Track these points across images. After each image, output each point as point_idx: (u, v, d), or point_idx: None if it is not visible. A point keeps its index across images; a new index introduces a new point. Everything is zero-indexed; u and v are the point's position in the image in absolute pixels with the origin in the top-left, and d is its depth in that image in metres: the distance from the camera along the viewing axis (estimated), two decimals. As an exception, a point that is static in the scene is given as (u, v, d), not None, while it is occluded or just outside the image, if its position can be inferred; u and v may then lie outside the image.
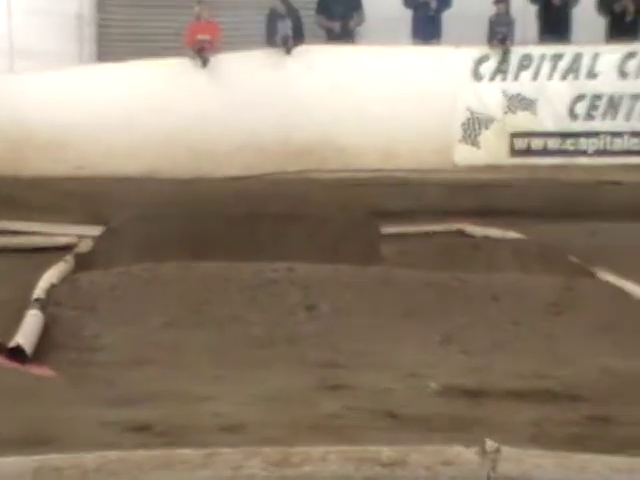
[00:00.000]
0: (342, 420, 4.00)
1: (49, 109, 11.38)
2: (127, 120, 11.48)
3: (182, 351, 5.16)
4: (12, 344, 4.97)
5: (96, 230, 8.58)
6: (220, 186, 10.59)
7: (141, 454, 2.97)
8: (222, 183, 10.94)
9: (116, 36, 13.16)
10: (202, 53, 11.85)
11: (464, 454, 2.92)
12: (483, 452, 2.90)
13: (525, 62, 11.84)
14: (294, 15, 12.21)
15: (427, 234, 8.65)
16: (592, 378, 4.72)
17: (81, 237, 8.62)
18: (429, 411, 4.16)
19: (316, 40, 12.40)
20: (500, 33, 11.92)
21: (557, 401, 4.34)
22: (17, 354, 4.93)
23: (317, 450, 2.94)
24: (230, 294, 5.87)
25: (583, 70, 11.81)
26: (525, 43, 12.09)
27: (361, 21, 12.50)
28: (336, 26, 12.41)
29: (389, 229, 8.62)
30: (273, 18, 12.15)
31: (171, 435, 3.73)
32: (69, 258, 7.39)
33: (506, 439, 3.00)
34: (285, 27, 12.08)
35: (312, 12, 12.51)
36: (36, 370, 4.82)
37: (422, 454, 2.94)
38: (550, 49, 11.84)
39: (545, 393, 4.43)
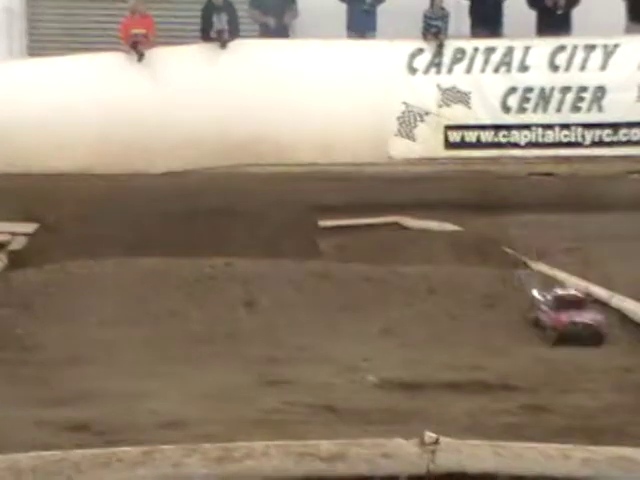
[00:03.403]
0: (282, 415, 4.01)
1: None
2: (60, 116, 11.30)
3: (119, 349, 5.12)
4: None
5: (29, 227, 8.45)
6: (156, 182, 10.50)
7: (78, 453, 2.93)
8: (158, 179, 10.85)
9: (47, 30, 12.94)
10: (137, 47, 11.73)
11: (404, 446, 2.94)
12: (422, 444, 2.92)
13: (459, 55, 11.94)
14: (230, 9, 12.14)
15: (364, 227, 8.68)
16: (525, 368, 4.80)
17: (14, 235, 8.47)
18: (368, 404, 4.19)
19: (251, 34, 12.36)
20: (434, 27, 12.00)
21: (492, 391, 4.40)
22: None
23: (258, 445, 2.94)
24: (168, 290, 5.83)
25: (515, 63, 11.95)
26: (458, 37, 12.19)
27: (295, 15, 12.48)
28: (270, 20, 12.38)
29: (326, 223, 8.64)
30: (209, 12, 12.07)
31: (109, 434, 3.70)
32: (2, 256, 7.27)
33: (443, 430, 3.04)
34: (221, 21, 12.01)
35: (246, 6, 12.46)
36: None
37: (362, 447, 2.95)
38: (483, 42, 11.95)
39: (480, 384, 4.49)
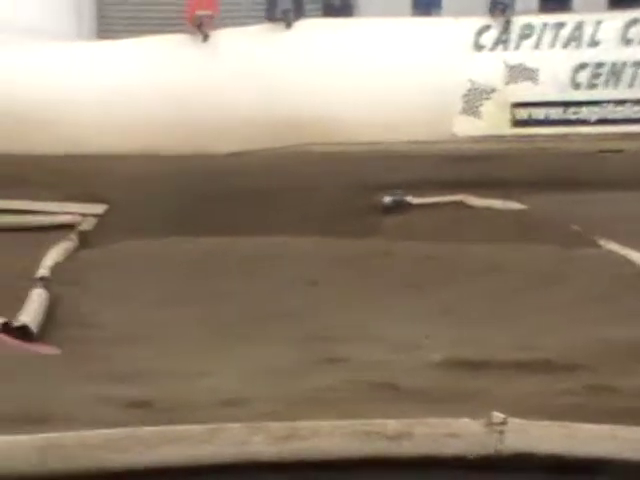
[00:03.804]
0: (343, 393, 3.98)
1: (46, 87, 11.33)
2: (126, 97, 11.42)
3: (178, 327, 5.14)
4: (18, 323, 4.97)
5: (99, 208, 8.57)
6: (219, 162, 10.55)
7: (147, 430, 2.94)
8: (220, 159, 10.90)
9: (116, 13, 13.08)
10: (202, 28, 11.78)
11: (471, 426, 2.88)
12: (490, 424, 2.86)
13: (526, 31, 11.76)
14: (294, -12, 12.13)
15: (428, 206, 8.61)
16: (591, 348, 4.69)
17: (84, 215, 8.61)
18: (430, 383, 4.14)
19: (315, 14, 12.33)
20: (501, 3, 11.84)
21: (555, 371, 4.32)
22: (23, 333, 4.93)
23: (324, 424, 2.92)
24: (226, 269, 5.84)
25: (585, 38, 11.73)
26: (526, 12, 12.00)
27: (360, -6, 12.43)
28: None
29: (390, 201, 8.58)
30: (274, -9, 12.08)
31: (172, 411, 3.72)
32: (72, 236, 7.39)
33: (508, 410, 2.97)
34: (285, 0, 12.00)
35: (310, -15, 12.44)
36: (42, 349, 4.82)
37: (428, 426, 2.91)
38: (552, 18, 11.75)
39: (543, 363, 4.40)
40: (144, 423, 3.17)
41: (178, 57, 11.79)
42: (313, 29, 11.91)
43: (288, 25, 11.86)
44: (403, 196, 8.68)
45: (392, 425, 2.91)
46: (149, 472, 2.84)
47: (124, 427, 2.99)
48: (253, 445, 2.85)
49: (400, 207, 8.52)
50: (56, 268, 6.05)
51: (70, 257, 6.45)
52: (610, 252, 6.59)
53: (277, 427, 2.90)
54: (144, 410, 3.76)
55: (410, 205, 8.57)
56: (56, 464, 2.83)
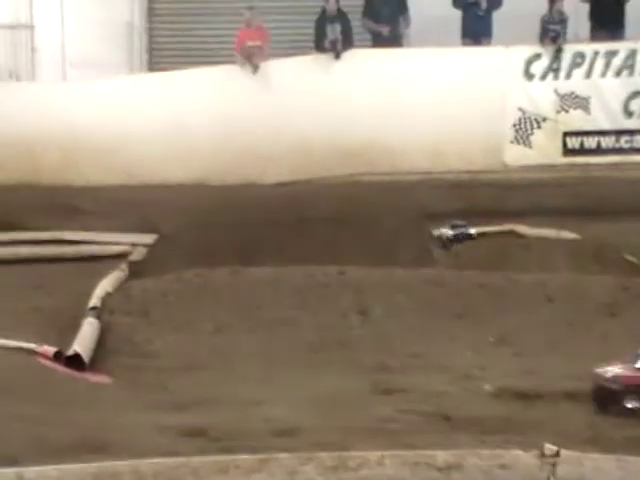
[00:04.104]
0: (396, 424, 3.97)
1: (101, 118, 11.49)
2: (177, 128, 11.55)
3: (233, 356, 5.17)
4: (70, 352, 5.03)
5: (149, 238, 8.65)
6: (269, 192, 10.61)
7: (197, 460, 2.98)
8: (271, 189, 10.95)
9: (166, 45, 13.26)
10: (252, 59, 11.89)
11: (522, 458, 2.86)
12: (542, 455, 2.84)
13: (578, 60, 11.67)
14: (343, 19, 12.18)
15: (479, 235, 8.56)
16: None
17: (134, 245, 8.70)
18: (483, 414, 4.11)
19: (364, 44, 12.38)
20: (553, 31, 11.77)
21: (613, 403, 4.26)
22: (75, 362, 4.98)
23: (373, 454, 2.92)
24: (281, 298, 5.86)
25: (637, 67, 11.61)
26: (577, 41, 11.93)
27: (408, 24, 12.42)
28: (384, 30, 12.37)
29: (441, 231, 8.55)
30: (322, 22, 12.15)
31: (225, 440, 3.74)
32: (123, 266, 7.47)
33: (562, 442, 2.95)
34: (334, 31, 12.06)
35: (359, 16, 12.49)
36: (93, 377, 4.87)
37: (479, 458, 2.89)
38: (603, 46, 11.65)
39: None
40: (197, 452, 3.20)
41: (229, 88, 11.90)
42: (362, 59, 11.95)
43: (337, 55, 11.91)
44: (465, 228, 8.59)
45: (442, 456, 2.90)
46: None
47: (177, 456, 3.01)
48: (303, 475, 2.86)
49: (461, 239, 8.44)
50: (107, 298, 6.12)
51: (121, 287, 6.52)
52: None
53: (326, 457, 2.91)
54: (198, 439, 3.79)
55: (470, 237, 8.49)
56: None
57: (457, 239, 8.34)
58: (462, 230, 8.44)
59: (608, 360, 4.94)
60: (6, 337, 5.07)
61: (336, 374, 4.79)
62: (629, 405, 4.24)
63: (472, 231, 8.48)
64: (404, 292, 5.91)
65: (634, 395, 4.27)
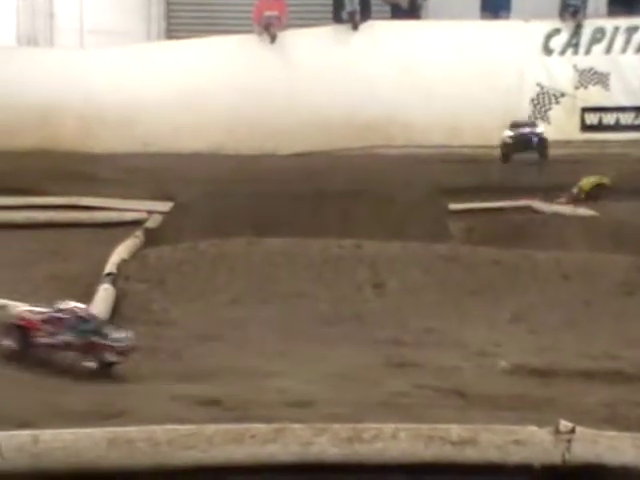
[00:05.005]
0: (410, 398, 3.98)
1: (118, 86, 11.50)
2: (194, 97, 11.53)
3: (248, 327, 5.18)
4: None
5: (165, 206, 8.66)
6: (284, 163, 10.59)
7: (212, 428, 2.98)
8: (287, 160, 10.93)
9: (184, 13, 13.21)
10: (270, 29, 11.83)
11: (537, 434, 2.86)
12: (557, 432, 2.83)
13: (598, 35, 11.59)
14: (362, -10, 12.12)
15: (495, 210, 8.53)
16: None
17: (150, 213, 8.71)
18: (498, 390, 4.11)
19: (382, 16, 12.30)
20: (572, 6, 11.68)
21: (629, 382, 4.25)
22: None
23: (387, 427, 2.92)
24: (296, 271, 5.86)
25: (659, 43, 11.53)
26: (598, 16, 11.82)
27: (427, -4, 12.37)
28: (403, 1, 12.29)
29: (456, 206, 8.53)
30: (341, -7, 12.08)
31: (239, 410, 3.75)
32: (139, 234, 7.47)
33: (578, 420, 2.94)
34: (353, 3, 11.99)
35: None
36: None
37: (493, 433, 2.89)
38: (624, 22, 11.56)
39: (617, 374, 4.34)
40: (212, 421, 3.21)
41: (246, 57, 11.87)
42: (380, 31, 11.89)
43: (355, 27, 11.85)
44: (470, 200, 8.51)
45: (456, 430, 2.90)
46: (213, 469, 2.87)
47: (191, 424, 3.03)
48: (317, 445, 2.87)
49: (467, 212, 8.39)
50: (123, 265, 6.13)
51: (137, 254, 6.53)
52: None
53: (341, 429, 2.91)
54: (212, 408, 3.81)
55: (477, 210, 8.40)
56: (122, 458, 2.88)
57: (519, 145, 7.92)
58: (526, 130, 8.01)
59: (624, 339, 4.93)
60: (22, 302, 5.09)
61: (350, 347, 4.80)
62: None
63: (539, 130, 8.11)
64: (419, 267, 5.90)
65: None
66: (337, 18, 12.08)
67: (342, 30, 11.94)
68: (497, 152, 10.60)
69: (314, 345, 4.84)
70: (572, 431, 2.83)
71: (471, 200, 8.85)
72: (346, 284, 5.71)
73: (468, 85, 11.53)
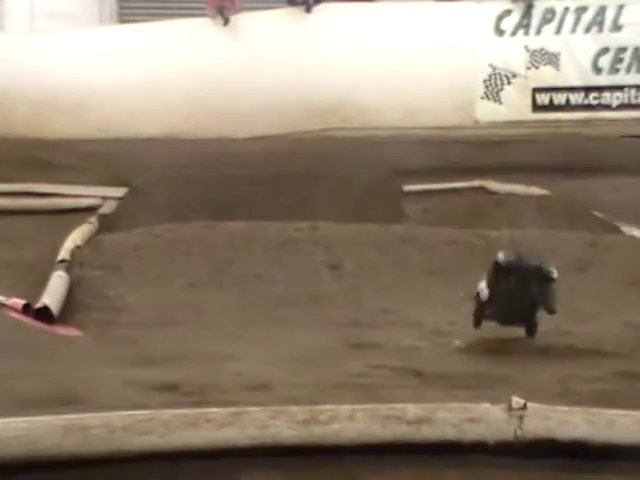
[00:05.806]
0: (367, 379, 4.01)
1: (70, 71, 11.37)
2: (148, 81, 11.44)
3: (205, 311, 5.18)
4: (39, 305, 5.01)
5: (119, 192, 8.61)
6: (242, 146, 10.56)
7: (168, 413, 2.97)
8: (244, 143, 10.90)
9: (136, -4, 13.08)
10: (223, 12, 11.77)
11: (491, 411, 2.89)
12: (510, 409, 2.87)
13: (548, 16, 11.69)
14: (314, -28, 12.07)
15: (450, 191, 8.60)
16: (617, 334, 4.69)
17: (105, 199, 8.65)
18: (454, 369, 4.16)
19: (336, -3, 12.27)
20: (524, -12, 11.76)
21: (582, 357, 4.32)
22: (44, 315, 4.97)
23: (344, 408, 2.94)
24: (254, 254, 5.87)
25: (607, 23, 11.64)
26: (548, -3, 11.92)
27: (381, -23, 12.36)
28: (356, -17, 12.28)
29: (412, 187, 8.58)
30: (294, -25, 12.04)
31: (196, 394, 3.75)
32: (93, 220, 7.42)
33: (532, 396, 2.98)
34: (305, -15, 11.96)
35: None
36: (62, 330, 4.86)
37: (448, 411, 2.92)
38: (573, 2, 11.67)
39: (570, 350, 4.41)
40: (168, 406, 3.21)
41: (200, 41, 11.80)
42: (333, 13, 11.88)
43: (308, 9, 11.83)
44: (425, 181, 8.60)
45: (412, 409, 2.92)
46: (170, 454, 2.87)
47: (148, 410, 3.01)
48: (273, 429, 2.87)
49: (422, 192, 8.46)
50: (77, 251, 6.09)
51: (91, 240, 6.48)
52: (633, 238, 6.56)
53: (297, 411, 2.92)
54: (169, 393, 3.80)
55: (432, 190, 8.48)
56: (78, 445, 2.87)
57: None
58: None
59: (577, 316, 5.01)
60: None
61: (308, 329, 4.82)
62: None
63: None
64: (375, 248, 5.93)
65: None
66: (291, 1, 12.04)
67: (296, 12, 11.90)
68: (452, 133, 10.69)
69: (272, 328, 4.85)
70: (524, 407, 2.86)
71: (426, 181, 8.91)
72: (303, 266, 5.73)
73: (422, 67, 11.58)
